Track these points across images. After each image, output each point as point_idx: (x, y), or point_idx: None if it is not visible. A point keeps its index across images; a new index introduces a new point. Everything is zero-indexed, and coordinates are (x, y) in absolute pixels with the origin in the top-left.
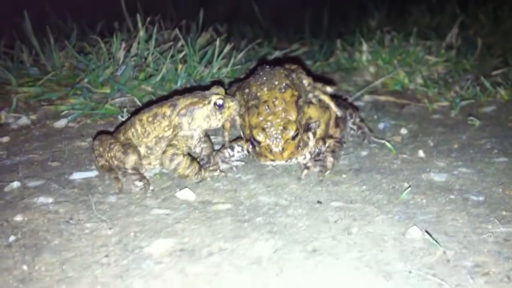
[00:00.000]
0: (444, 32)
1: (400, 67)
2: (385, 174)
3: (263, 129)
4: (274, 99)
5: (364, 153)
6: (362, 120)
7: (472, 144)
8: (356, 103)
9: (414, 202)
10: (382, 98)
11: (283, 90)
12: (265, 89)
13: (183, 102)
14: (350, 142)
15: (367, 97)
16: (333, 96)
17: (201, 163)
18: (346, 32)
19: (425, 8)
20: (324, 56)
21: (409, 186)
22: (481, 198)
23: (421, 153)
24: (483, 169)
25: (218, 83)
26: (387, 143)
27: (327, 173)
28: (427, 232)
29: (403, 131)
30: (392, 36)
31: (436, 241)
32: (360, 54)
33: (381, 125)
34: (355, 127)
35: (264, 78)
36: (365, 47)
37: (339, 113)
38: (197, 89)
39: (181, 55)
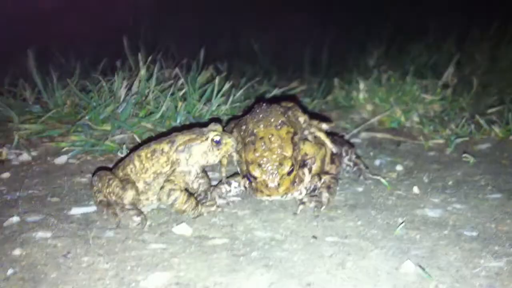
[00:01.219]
0: (441, 70)
1: (396, 105)
2: (380, 209)
3: (259, 165)
4: (270, 136)
5: (359, 189)
6: (358, 156)
7: (467, 180)
8: (353, 140)
9: (408, 237)
10: (379, 135)
11: (279, 127)
12: (262, 126)
13: (181, 138)
14: (346, 178)
15: (364, 134)
16: (328, 133)
17: (198, 198)
18: (344, 71)
19: (423, 46)
20: (322, 94)
21: (404, 222)
22: (474, 234)
23: (416, 190)
24: (477, 205)
25: (216, 120)
26: (382, 180)
27: (322, 208)
28: (420, 266)
29: (399, 167)
30: (389, 75)
31: (429, 275)
32: (357, 92)
33: (377, 162)
34: (351, 164)
35: (261, 116)
36: (362, 85)
37: (334, 150)
38: (195, 126)
39: (181, 93)
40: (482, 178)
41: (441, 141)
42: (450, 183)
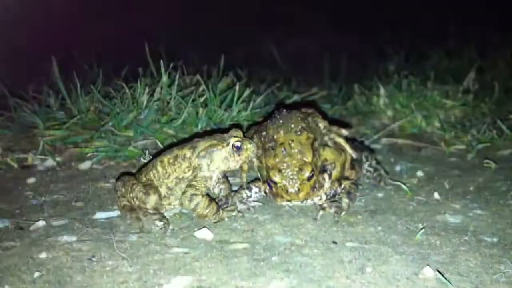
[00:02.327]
0: (462, 76)
1: (417, 110)
2: (401, 215)
3: (280, 170)
4: (290, 142)
5: (380, 195)
6: (378, 162)
7: (488, 186)
8: (373, 146)
9: (428, 243)
10: (399, 141)
11: (299, 133)
12: (282, 132)
13: (202, 144)
14: (367, 184)
15: (384, 140)
16: (348, 139)
17: (219, 203)
18: (364, 76)
19: (444, 53)
20: (342, 99)
21: (424, 227)
22: (494, 239)
23: (436, 195)
24: (498, 211)
25: (237, 126)
26: (403, 185)
27: (342, 214)
28: (439, 272)
29: (420, 173)
30: (410, 80)
31: (448, 280)
32: (377, 98)
33: (397, 168)
34: (371, 169)
35: (281, 121)
36: (382, 91)
37: (354, 155)
38: (216, 132)
39: (202, 99)
40: (504, 184)
41: (462, 146)
42: (471, 189)
